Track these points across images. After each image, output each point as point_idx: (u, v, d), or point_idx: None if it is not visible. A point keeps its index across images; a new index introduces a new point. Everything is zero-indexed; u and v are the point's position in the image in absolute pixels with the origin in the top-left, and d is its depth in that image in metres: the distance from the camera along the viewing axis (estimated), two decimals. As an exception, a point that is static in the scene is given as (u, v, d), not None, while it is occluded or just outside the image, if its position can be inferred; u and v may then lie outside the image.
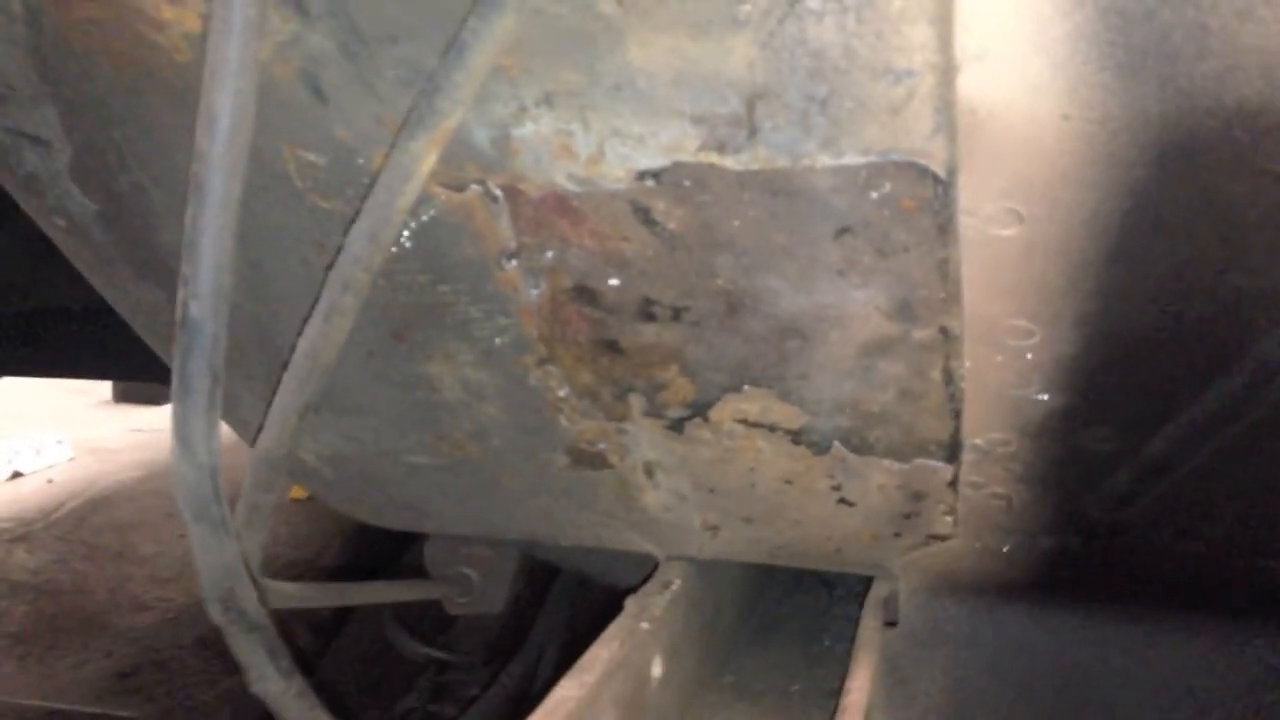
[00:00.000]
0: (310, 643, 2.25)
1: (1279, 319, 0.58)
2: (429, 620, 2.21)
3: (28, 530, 3.76)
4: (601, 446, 0.82)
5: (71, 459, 4.47)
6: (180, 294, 0.53)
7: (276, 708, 0.67)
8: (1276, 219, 0.53)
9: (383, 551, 2.41)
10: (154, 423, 4.83)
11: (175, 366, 0.55)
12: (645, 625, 0.85)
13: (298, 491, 3.64)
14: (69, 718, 2.40)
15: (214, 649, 2.57)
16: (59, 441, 4.53)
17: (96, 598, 3.16)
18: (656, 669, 0.87)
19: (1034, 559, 0.81)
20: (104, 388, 5.08)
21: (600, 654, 0.78)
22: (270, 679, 0.65)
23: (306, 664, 2.27)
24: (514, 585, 1.20)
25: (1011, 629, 0.89)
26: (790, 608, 1.21)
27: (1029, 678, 0.89)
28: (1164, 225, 0.55)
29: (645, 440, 0.80)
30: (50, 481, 4.29)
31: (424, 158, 0.57)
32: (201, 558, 0.59)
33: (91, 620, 3.03)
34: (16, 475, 4.33)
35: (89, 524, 3.79)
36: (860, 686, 0.78)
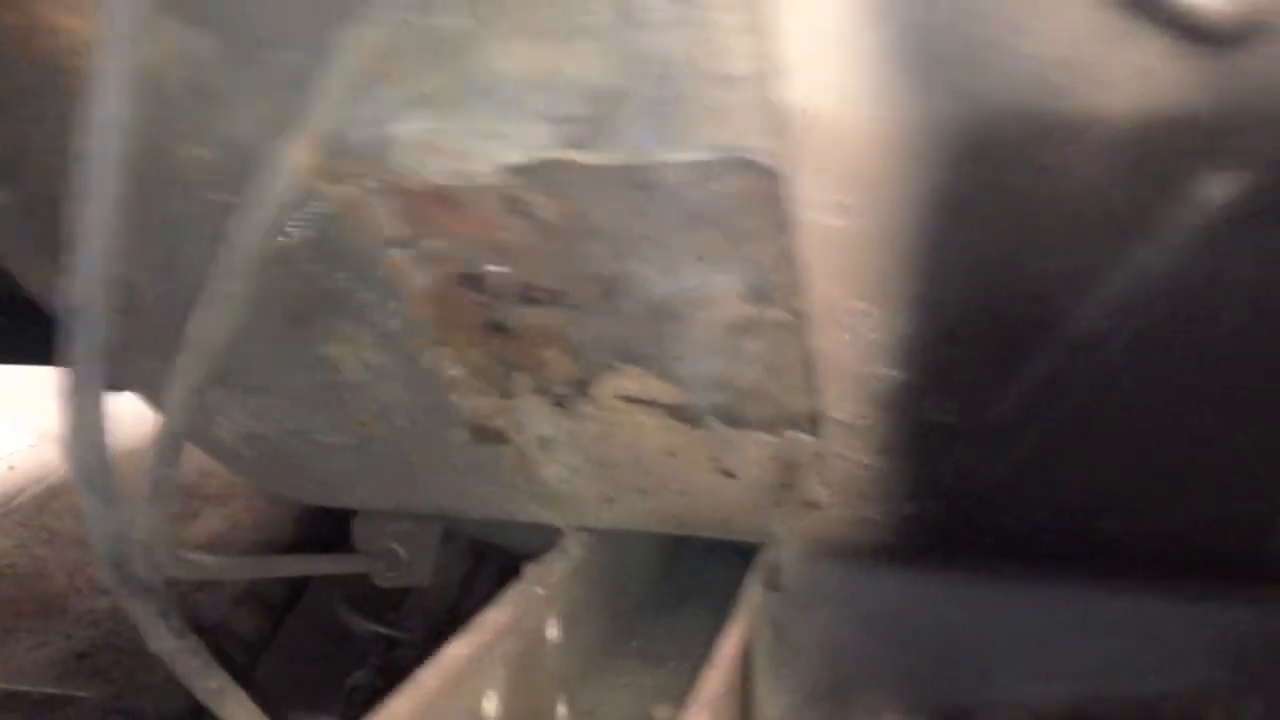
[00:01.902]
0: (261, 622, 2.29)
1: (1081, 300, 0.64)
2: (379, 600, 2.25)
3: (-13, 515, 3.77)
4: (497, 423, 0.88)
5: (31, 445, 4.47)
6: (69, 280, 0.58)
7: (171, 664, 0.72)
8: (1058, 209, 0.59)
9: (339, 530, 2.45)
10: (112, 409, 4.83)
11: (67, 348, 0.60)
12: (540, 590, 0.90)
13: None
14: (27, 698, 2.43)
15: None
16: (18, 428, 4.52)
17: (56, 582, 3.19)
18: (553, 632, 0.92)
19: (900, 525, 0.87)
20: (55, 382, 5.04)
21: (492, 617, 0.83)
22: (163, 638, 0.71)
23: (258, 642, 2.32)
24: (438, 559, 1.25)
25: (887, 590, 0.95)
26: (703, 578, 1.26)
27: (904, 636, 0.96)
28: (966, 216, 0.61)
29: (536, 416, 0.85)
30: (11, 468, 4.29)
31: (299, 156, 0.62)
32: (92, 524, 0.64)
33: (51, 603, 3.05)
34: (-25, 462, 4.32)
35: (49, 509, 3.80)
36: (733, 642, 0.84)
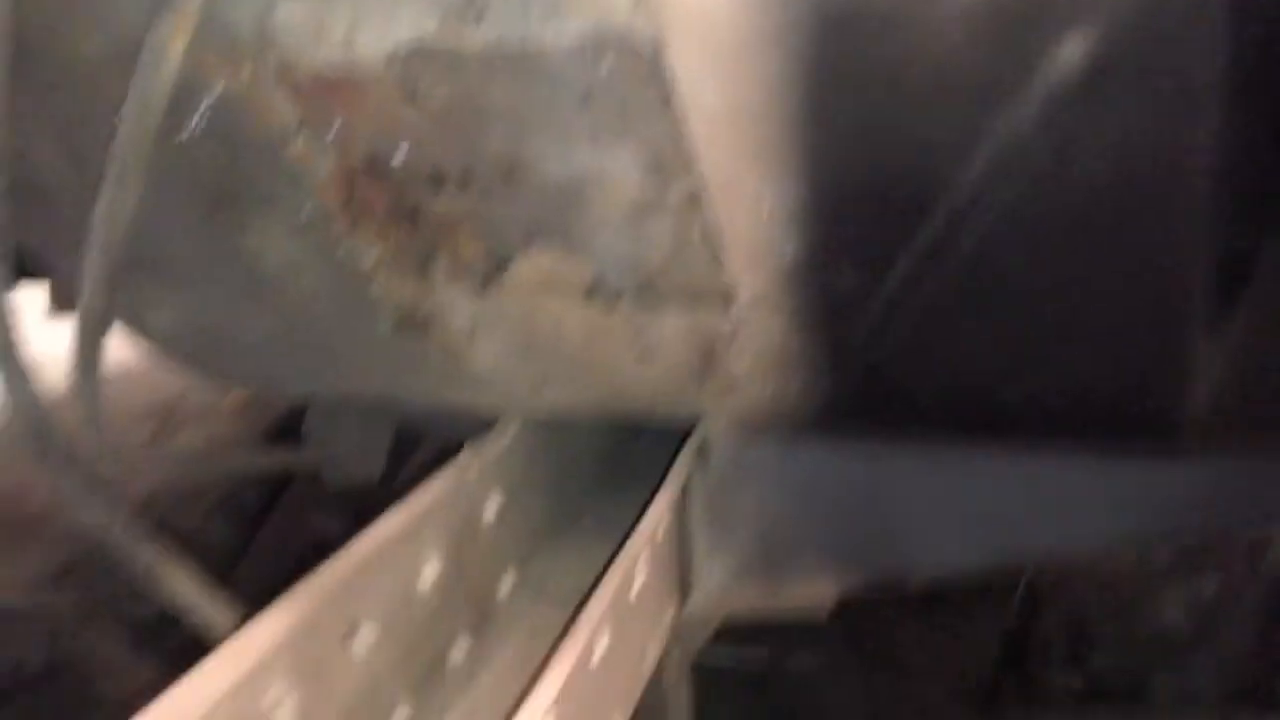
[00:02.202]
0: (230, 535, 2.33)
1: (957, 166, 0.66)
2: (352, 508, 2.29)
3: (-31, 440, 3.79)
4: (421, 311, 0.90)
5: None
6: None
7: (103, 537, 0.76)
8: (925, 77, 0.61)
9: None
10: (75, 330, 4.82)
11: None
12: (476, 467, 0.93)
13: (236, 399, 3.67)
14: (12, 611, 2.48)
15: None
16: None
17: (37, 500, 3.23)
18: (491, 509, 0.96)
19: (819, 395, 0.90)
20: (41, 301, 5.01)
21: (427, 493, 0.87)
22: (90, 509, 0.74)
23: (233, 552, 2.36)
24: (386, 456, 1.29)
25: (811, 463, 0.98)
26: (655, 457, 1.29)
27: (830, 506, 1.00)
28: (839, 86, 0.63)
29: (457, 304, 0.88)
30: (-10, 392, 4.30)
31: (174, 40, 0.63)
32: (11, 396, 0.67)
33: (32, 521, 3.10)
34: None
35: (15, 435, 3.82)
36: (654, 516, 0.88)
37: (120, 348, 1.07)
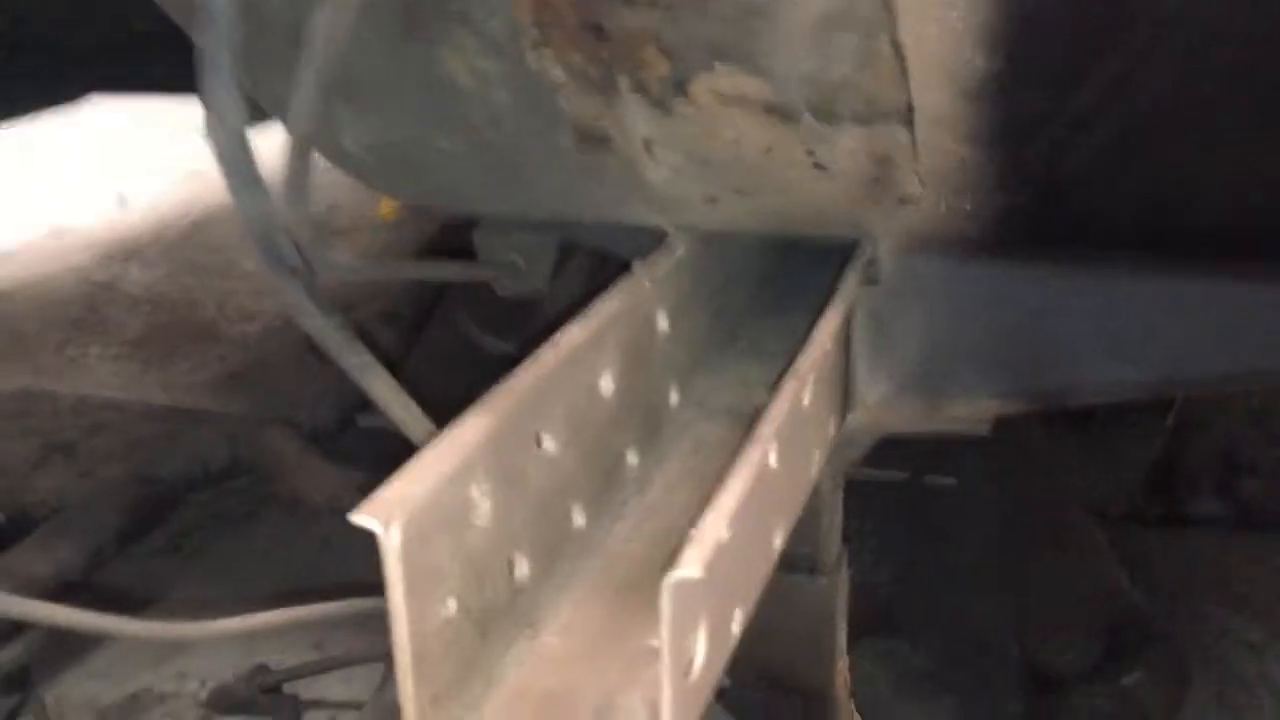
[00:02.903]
0: (394, 343, 2.44)
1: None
2: (506, 320, 2.37)
3: (139, 250, 3.99)
4: (603, 126, 0.92)
5: (174, 183, 4.65)
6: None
7: (319, 340, 0.81)
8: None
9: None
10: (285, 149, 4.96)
11: (200, 49, 0.66)
12: (648, 283, 0.96)
13: (386, 211, 3.78)
14: (189, 413, 2.65)
15: (315, 351, 2.79)
16: (161, 167, 4.70)
17: (206, 310, 3.41)
18: (662, 323, 0.99)
19: (992, 215, 0.90)
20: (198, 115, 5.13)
21: (605, 306, 0.90)
22: (311, 315, 0.79)
23: (391, 364, 2.47)
24: (554, 268, 1.33)
25: (980, 281, 0.99)
26: (810, 284, 1.31)
27: (997, 325, 1.00)
28: None
29: (638, 117, 0.89)
30: (155, 207, 4.50)
31: None
32: (241, 209, 0.72)
33: (203, 329, 3.28)
34: (124, 201, 4.53)
35: (194, 243, 4.01)
36: (829, 325, 0.90)
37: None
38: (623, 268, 0.98)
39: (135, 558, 2.09)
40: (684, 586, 0.60)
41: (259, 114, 0.85)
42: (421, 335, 2.57)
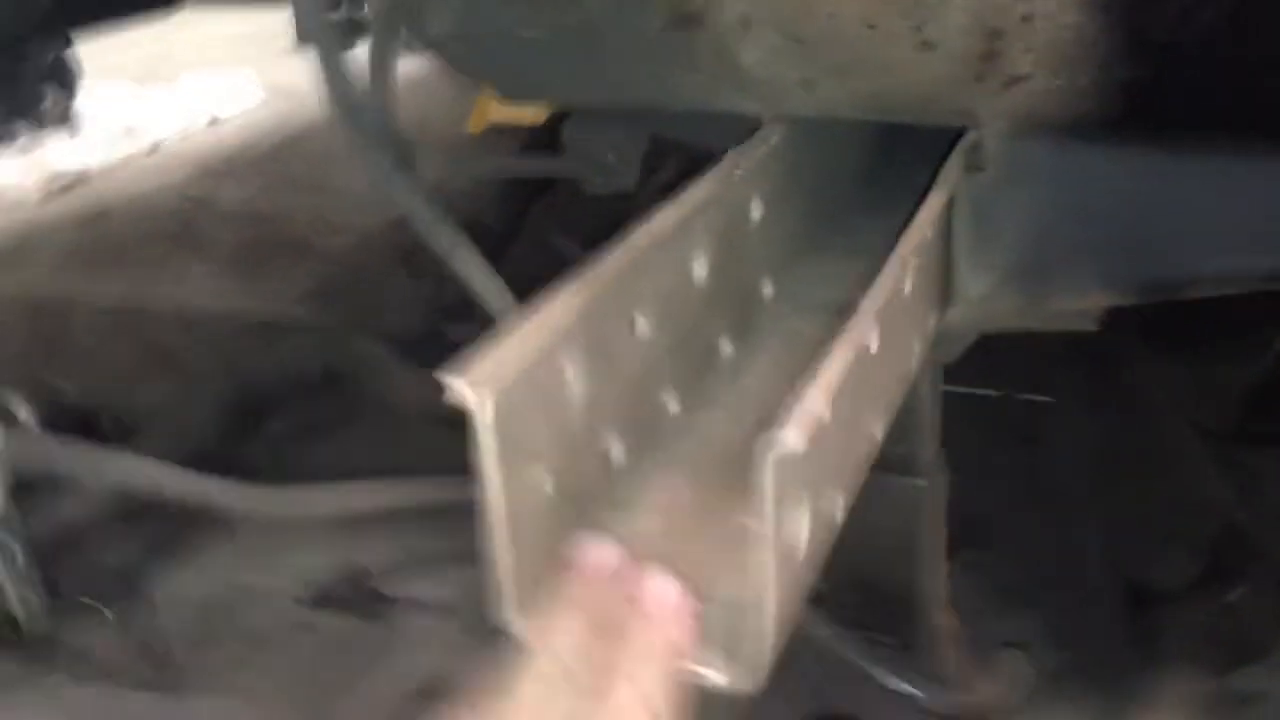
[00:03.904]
0: (499, 231, 2.42)
1: None
2: (593, 231, 2.35)
3: (231, 167, 4.05)
4: (694, 4, 0.89)
5: (264, 101, 4.70)
6: None
7: (404, 207, 0.80)
8: None
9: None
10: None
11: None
12: (740, 171, 0.93)
13: (475, 126, 3.77)
14: (281, 324, 2.69)
15: (405, 263, 2.80)
16: (250, 84, 4.74)
17: (298, 224, 3.45)
18: (755, 212, 0.96)
19: (1109, 91, 0.85)
20: (286, 33, 5.17)
21: (696, 191, 0.88)
22: (395, 183, 0.78)
23: (496, 252, 2.47)
24: (646, 169, 1.30)
25: (1091, 166, 0.94)
26: (910, 182, 1.27)
27: (1107, 212, 0.96)
28: None
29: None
30: (245, 123, 4.55)
31: None
32: (325, 78, 0.71)
33: (295, 243, 3.31)
34: (216, 120, 4.58)
35: (285, 159, 4.05)
36: (928, 216, 0.86)
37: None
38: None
39: (232, 465, 2.13)
40: (783, 460, 0.58)
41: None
42: (509, 247, 2.57)
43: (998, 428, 2.26)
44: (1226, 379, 2.28)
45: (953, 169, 0.93)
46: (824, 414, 0.63)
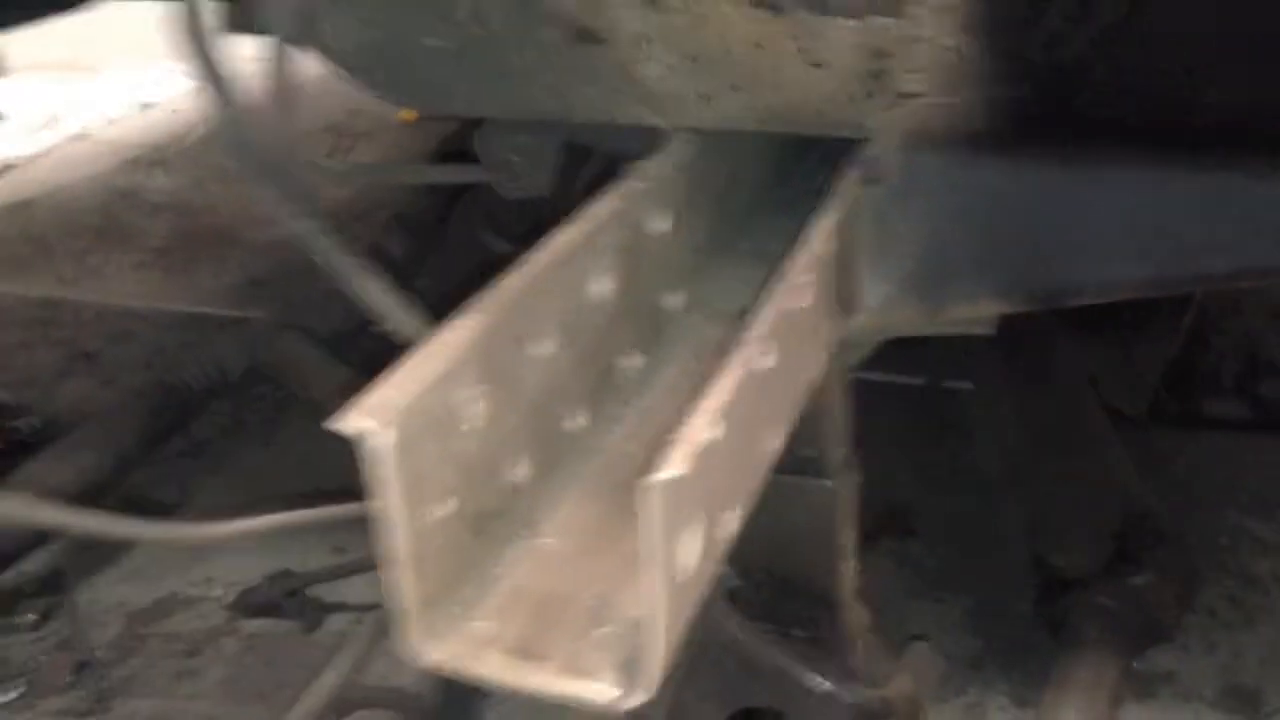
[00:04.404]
0: (406, 248, 2.43)
1: None
2: (521, 226, 2.35)
3: (162, 156, 3.98)
4: (593, 22, 0.90)
5: (196, 88, 4.60)
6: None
7: (305, 243, 0.81)
8: None
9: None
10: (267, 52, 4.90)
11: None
12: (642, 185, 0.95)
13: (407, 114, 3.75)
14: (211, 319, 2.67)
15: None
16: (182, 72, 4.64)
17: (228, 215, 3.41)
18: (658, 224, 0.98)
19: (992, 108, 0.88)
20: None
21: (597, 207, 0.89)
22: (293, 217, 0.78)
23: (409, 266, 2.46)
24: (556, 170, 1.31)
25: (982, 178, 0.97)
26: (818, 183, 1.29)
27: (998, 222, 0.98)
28: None
29: (627, 13, 0.88)
30: (176, 111, 4.47)
31: None
32: (213, 110, 0.71)
33: (225, 235, 3.28)
34: (146, 106, 4.51)
35: (215, 149, 3.99)
36: (820, 230, 0.88)
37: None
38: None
39: (158, 464, 2.12)
40: (668, 486, 0.60)
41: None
42: (438, 240, 2.57)
43: (919, 415, 2.31)
44: (1141, 359, 2.34)
45: (848, 182, 0.95)
46: (710, 437, 0.65)
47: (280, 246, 3.26)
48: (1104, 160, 0.91)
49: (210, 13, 0.68)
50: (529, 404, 0.79)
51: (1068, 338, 2.22)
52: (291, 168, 0.77)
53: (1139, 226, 0.93)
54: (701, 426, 0.65)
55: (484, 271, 0.79)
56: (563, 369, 0.83)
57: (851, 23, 0.82)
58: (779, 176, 1.29)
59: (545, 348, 0.81)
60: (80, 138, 4.24)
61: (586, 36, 0.92)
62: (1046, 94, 0.85)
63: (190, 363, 2.25)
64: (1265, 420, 2.30)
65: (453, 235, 2.54)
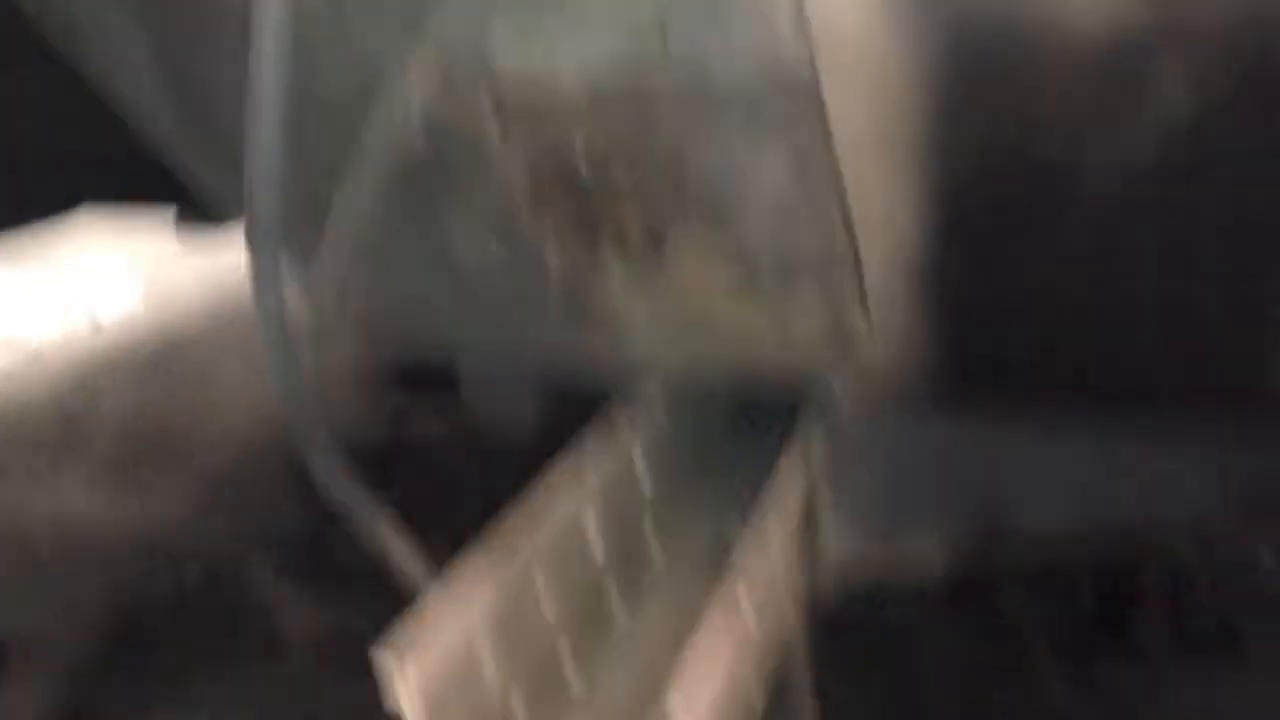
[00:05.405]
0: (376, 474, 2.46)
1: (1076, 177, 0.75)
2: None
3: (112, 374, 4.00)
4: (585, 280, 1.01)
5: (147, 307, 4.66)
6: (245, 175, 0.72)
7: (343, 504, 0.87)
8: (1043, 105, 0.70)
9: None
10: (220, 268, 4.97)
11: (248, 238, 0.74)
12: (628, 426, 1.03)
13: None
14: (164, 539, 2.65)
15: (291, 475, 2.80)
16: (135, 290, 4.70)
17: (181, 433, 3.41)
18: (640, 464, 1.05)
19: (937, 375, 0.99)
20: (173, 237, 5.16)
21: (587, 449, 0.96)
22: (346, 492, 0.85)
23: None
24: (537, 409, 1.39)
25: (935, 435, 1.07)
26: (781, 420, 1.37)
27: (951, 475, 1.08)
28: (971, 115, 0.73)
29: (617, 276, 0.99)
30: (129, 329, 4.50)
31: (423, 80, 0.75)
32: (280, 390, 0.78)
33: (179, 453, 3.28)
34: (98, 326, 4.54)
35: (168, 367, 4.03)
36: (783, 484, 0.97)
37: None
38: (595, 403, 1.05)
39: (114, 688, 2.09)
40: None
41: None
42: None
43: (867, 649, 2.34)
44: (1080, 593, 2.41)
45: (808, 434, 1.05)
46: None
47: (235, 463, 3.28)
48: (1034, 420, 1.02)
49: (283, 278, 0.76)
50: (531, 659, 0.83)
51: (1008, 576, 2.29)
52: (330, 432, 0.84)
53: (1067, 477, 1.03)
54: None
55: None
56: (560, 619, 0.88)
57: (815, 287, 0.93)
58: (742, 412, 1.37)
59: (550, 602, 0.86)
60: (36, 357, 4.26)
61: (578, 294, 1.02)
62: (983, 366, 0.96)
63: (146, 584, 2.24)
64: (1192, 647, 2.36)
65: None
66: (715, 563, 1.06)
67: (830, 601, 1.19)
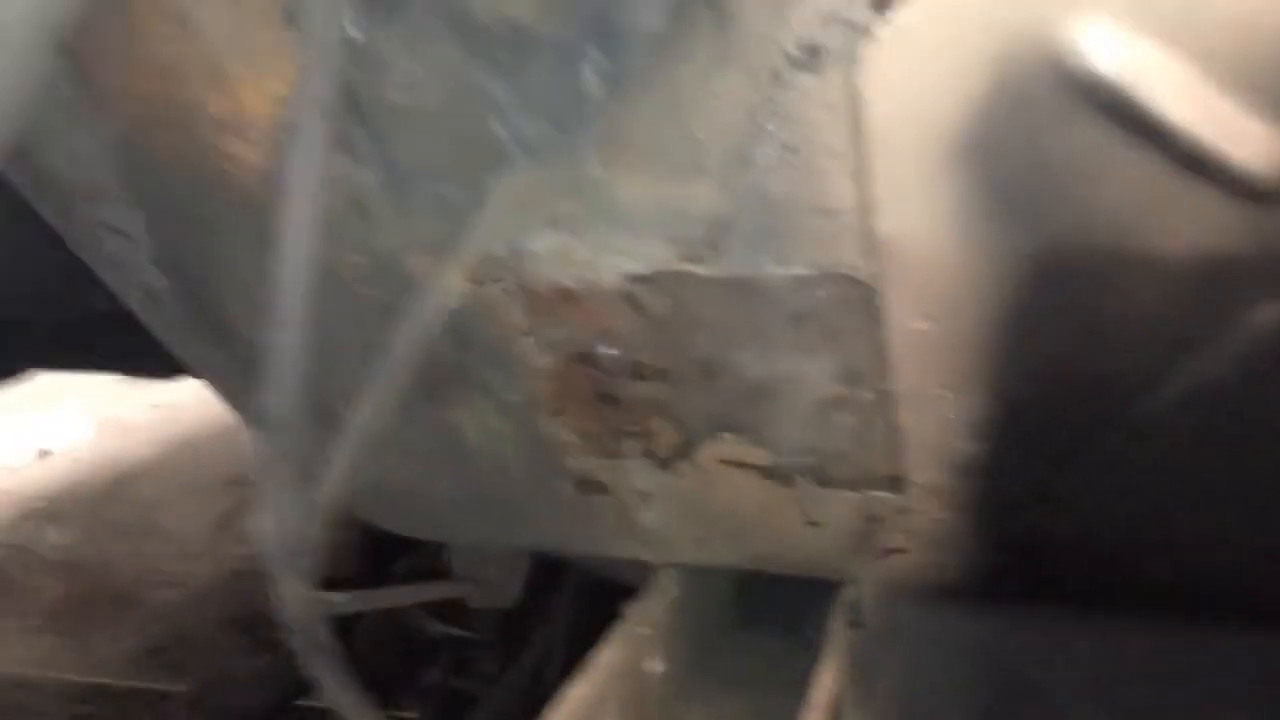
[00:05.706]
0: (336, 623, 2.38)
1: (1141, 396, 0.72)
2: (449, 602, 2.33)
3: (56, 509, 3.89)
4: (601, 477, 0.97)
5: (96, 436, 4.57)
6: (265, 373, 0.67)
7: (344, 711, 0.82)
8: (1122, 325, 0.68)
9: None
10: (171, 397, 4.90)
11: (258, 445, 0.69)
12: (646, 630, 0.99)
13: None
14: (110, 691, 2.54)
15: (242, 625, 2.71)
16: (84, 420, 4.63)
17: (126, 575, 3.30)
18: (656, 667, 1.01)
19: (976, 572, 0.95)
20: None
21: (605, 657, 0.92)
22: (337, 691, 0.80)
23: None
24: (526, 582, 1.35)
25: (963, 630, 1.03)
26: (774, 601, 1.34)
27: (978, 672, 1.04)
28: (1037, 327, 0.70)
29: (639, 474, 0.94)
30: (76, 460, 4.40)
31: (455, 278, 0.71)
32: (288, 604, 0.74)
33: (122, 597, 3.17)
34: (45, 454, 4.44)
35: (115, 501, 3.92)
36: (826, 684, 0.92)
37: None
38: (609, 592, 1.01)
39: None
40: None
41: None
42: (362, 617, 2.52)
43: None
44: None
45: (837, 631, 1.01)
46: None
47: (182, 610, 3.16)
48: (1073, 619, 0.98)
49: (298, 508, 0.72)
50: None
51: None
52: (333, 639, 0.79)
53: (1106, 681, 0.99)
54: None
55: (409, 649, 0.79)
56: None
57: (853, 495, 0.90)
58: (741, 593, 1.33)
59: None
60: (-23, 484, 4.13)
61: (593, 488, 0.98)
62: (1024, 564, 0.92)
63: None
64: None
65: (379, 613, 2.50)
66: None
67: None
